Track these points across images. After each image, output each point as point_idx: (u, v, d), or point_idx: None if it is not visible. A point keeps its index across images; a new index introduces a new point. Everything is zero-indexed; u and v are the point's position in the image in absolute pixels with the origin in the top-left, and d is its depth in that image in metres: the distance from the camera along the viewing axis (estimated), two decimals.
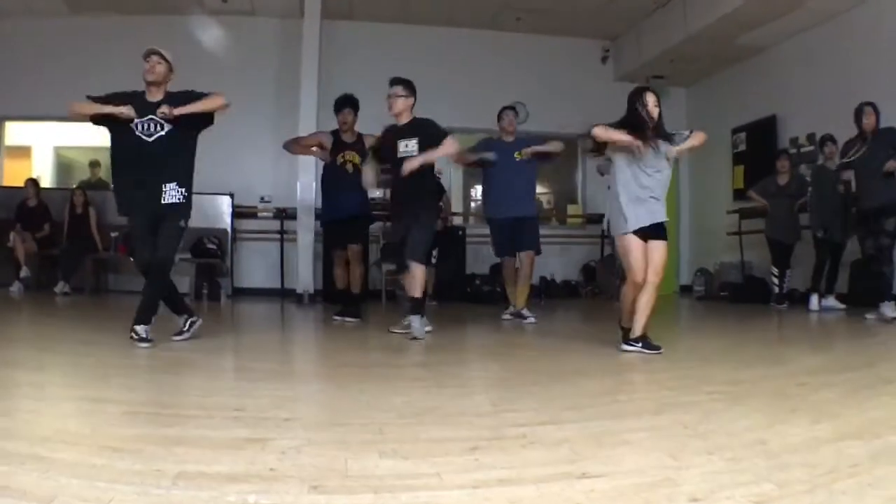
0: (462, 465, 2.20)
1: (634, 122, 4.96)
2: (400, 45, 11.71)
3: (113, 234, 10.35)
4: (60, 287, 9.66)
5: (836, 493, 1.90)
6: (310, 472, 2.09)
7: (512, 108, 7.81)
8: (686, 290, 12.42)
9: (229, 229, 10.91)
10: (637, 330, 4.89)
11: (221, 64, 11.11)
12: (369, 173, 6.30)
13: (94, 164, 12.12)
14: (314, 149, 7.43)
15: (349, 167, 7.00)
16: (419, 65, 11.17)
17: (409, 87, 6.16)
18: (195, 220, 10.93)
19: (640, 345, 4.82)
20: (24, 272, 9.72)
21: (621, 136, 4.91)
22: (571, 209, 13.18)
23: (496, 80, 11.91)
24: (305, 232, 10.40)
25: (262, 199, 11.40)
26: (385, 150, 6.13)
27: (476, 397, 3.43)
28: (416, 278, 5.84)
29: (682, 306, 10.59)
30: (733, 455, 2.27)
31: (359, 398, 3.31)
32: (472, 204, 13.53)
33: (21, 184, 10.59)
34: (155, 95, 5.16)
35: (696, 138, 5.06)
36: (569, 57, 12.45)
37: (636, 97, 5.03)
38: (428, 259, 6.43)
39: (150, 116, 5.06)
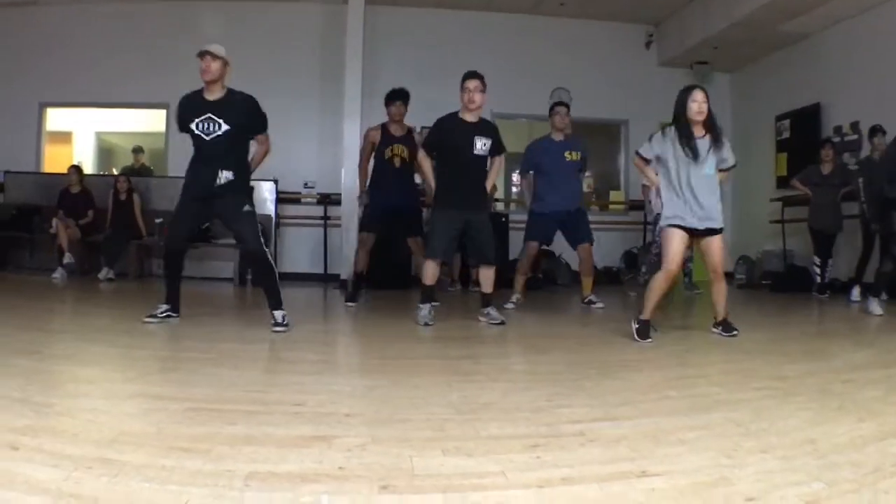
0: (525, 463, 2.26)
1: (680, 121, 5.13)
2: (443, 30, 11.81)
3: (157, 220, 10.49)
4: (104, 273, 9.81)
5: (880, 492, 1.98)
6: (378, 472, 2.15)
7: (565, 104, 7.75)
8: (728, 277, 12.37)
9: (273, 215, 11.06)
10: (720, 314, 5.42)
11: (266, 50, 11.24)
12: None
13: (138, 150, 12.30)
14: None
15: (397, 161, 7.11)
16: (462, 50, 11.28)
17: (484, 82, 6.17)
18: None
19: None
20: (67, 258, 9.84)
21: (650, 175, 5.45)
22: (613, 195, 13.15)
23: (539, 65, 11.94)
24: (350, 218, 10.53)
25: (306, 184, 11.58)
26: (450, 139, 6.13)
27: (530, 392, 3.49)
28: (430, 269, 6.14)
29: None
30: (784, 454, 2.35)
31: (415, 393, 3.38)
32: (514, 189, 13.51)
33: (62, 170, 10.80)
34: (213, 93, 5.35)
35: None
36: (612, 42, 12.41)
37: (685, 95, 5.14)
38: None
39: (209, 115, 5.24)
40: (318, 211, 11.42)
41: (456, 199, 6.05)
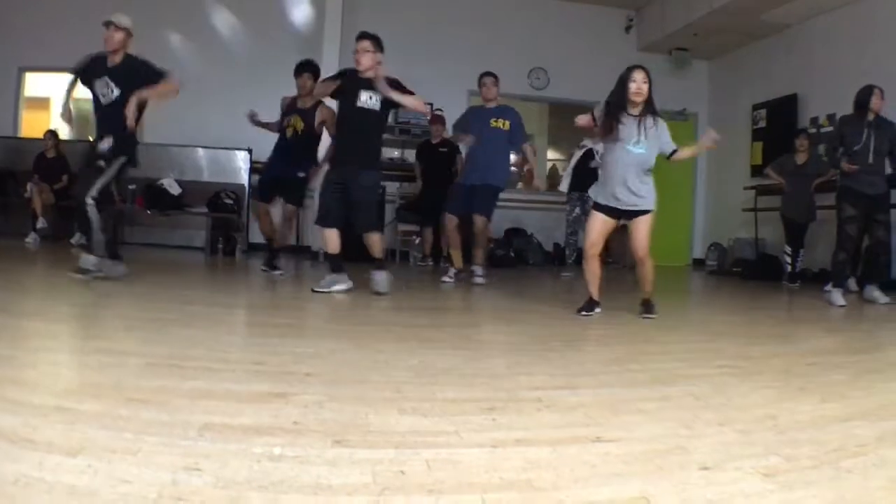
0: (479, 424, 2.27)
1: (615, 99, 5.13)
2: (423, 7, 11.71)
3: (131, 187, 10.42)
4: (77, 238, 9.67)
5: (842, 470, 1.95)
6: (332, 427, 2.16)
7: (492, 74, 7.65)
8: (699, 263, 12.46)
9: (246, 185, 10.97)
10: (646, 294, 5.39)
11: (241, 19, 11.14)
12: None
13: None
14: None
15: (289, 132, 7.21)
16: (442, 26, 11.26)
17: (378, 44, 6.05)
18: (213, 176, 11.07)
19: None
20: (40, 223, 9.80)
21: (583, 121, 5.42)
22: None
23: (519, 43, 11.95)
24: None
25: None
26: (342, 91, 6.09)
27: (491, 360, 3.49)
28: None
29: (694, 279, 10.63)
30: (743, 428, 2.33)
31: (376, 357, 3.36)
32: None
33: (39, 135, 10.65)
34: (113, 60, 5.70)
35: (698, 147, 5.49)
36: (592, 25, 12.43)
37: (626, 74, 5.13)
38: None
39: (106, 78, 5.65)
40: None
41: (338, 157, 6.03)
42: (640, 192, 5.11)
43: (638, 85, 5.03)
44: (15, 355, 2.98)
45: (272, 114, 7.41)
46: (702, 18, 10.80)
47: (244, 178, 10.97)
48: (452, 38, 11.53)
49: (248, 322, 4.76)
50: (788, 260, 9.32)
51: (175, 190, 10.77)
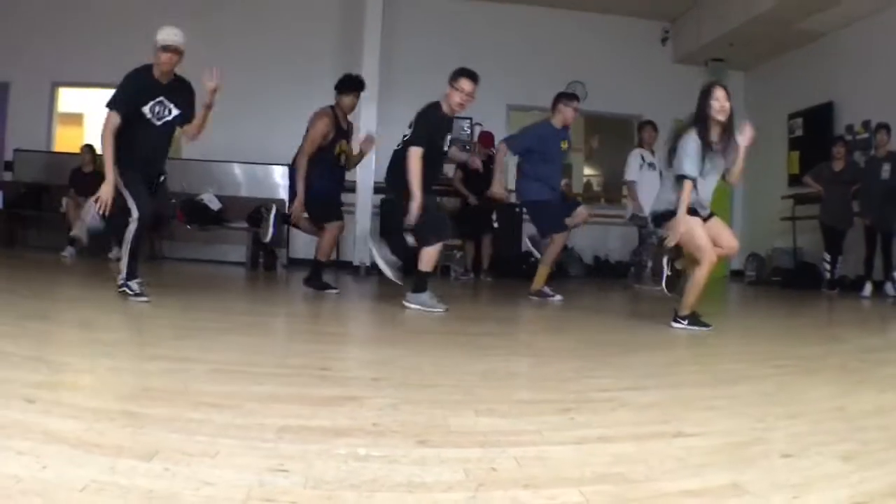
0: (559, 423, 2.30)
1: (702, 121, 4.89)
2: (461, 21, 11.83)
3: (171, 201, 10.31)
4: (115, 253, 9.73)
5: None
6: (412, 428, 2.15)
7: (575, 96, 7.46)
8: (737, 274, 12.43)
9: (286, 200, 11.06)
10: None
11: (281, 33, 11.27)
12: None
13: None
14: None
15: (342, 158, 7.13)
16: (479, 41, 11.33)
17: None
18: (251, 191, 11.15)
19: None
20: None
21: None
22: (626, 189, 13.14)
23: (556, 57, 11.95)
24: (363, 206, 10.56)
25: None
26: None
27: (555, 365, 3.56)
28: None
29: (734, 290, 10.62)
30: (814, 419, 2.42)
31: (440, 362, 3.42)
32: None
33: (73, 150, 10.71)
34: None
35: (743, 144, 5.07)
36: (628, 37, 12.41)
37: (706, 94, 4.90)
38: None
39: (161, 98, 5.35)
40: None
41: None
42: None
43: (721, 103, 4.85)
44: (69, 362, 2.99)
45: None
46: (737, 29, 10.82)
47: (282, 193, 11.08)
48: (490, 52, 11.60)
49: (301, 330, 4.81)
50: (828, 267, 9.32)
51: (215, 205, 10.79)
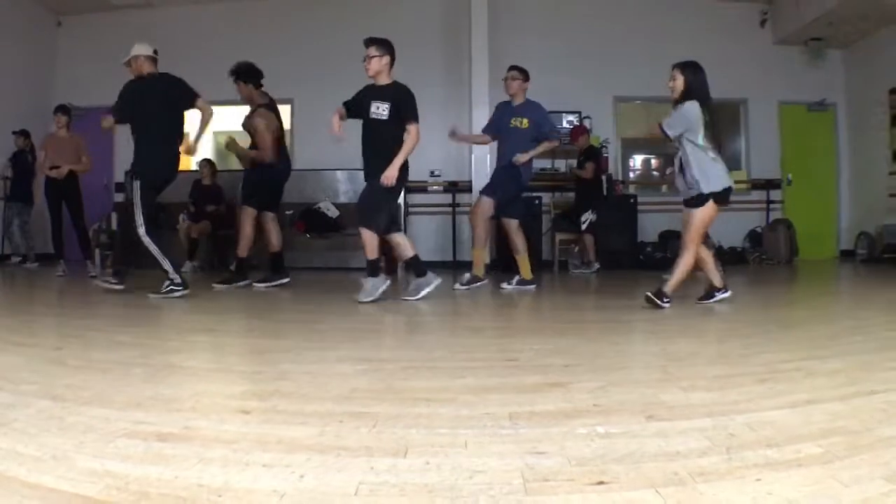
0: (764, 392, 2.48)
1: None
2: (565, 15, 12.02)
3: (288, 213, 10.66)
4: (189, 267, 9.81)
5: None
6: (632, 406, 2.29)
7: (515, 67, 7.34)
8: (847, 254, 12.36)
9: (403, 204, 11.41)
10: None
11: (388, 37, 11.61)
12: None
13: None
14: None
15: None
16: (584, 34, 11.52)
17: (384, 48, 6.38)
18: None
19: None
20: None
21: None
22: (736, 175, 13.15)
23: (655, 45, 11.97)
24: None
25: (433, 173, 11.89)
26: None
27: (725, 344, 3.80)
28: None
29: (848, 269, 10.60)
30: None
31: (616, 348, 3.63)
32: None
33: (183, 167, 11.04)
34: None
35: None
36: (727, 21, 12.36)
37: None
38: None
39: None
40: (445, 199, 11.77)
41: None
42: None
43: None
44: (260, 370, 3.12)
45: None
46: (837, 6, 10.80)
47: (399, 197, 11.37)
48: (593, 44, 11.69)
49: (463, 326, 4.87)
50: None
51: (332, 213, 11.15)
